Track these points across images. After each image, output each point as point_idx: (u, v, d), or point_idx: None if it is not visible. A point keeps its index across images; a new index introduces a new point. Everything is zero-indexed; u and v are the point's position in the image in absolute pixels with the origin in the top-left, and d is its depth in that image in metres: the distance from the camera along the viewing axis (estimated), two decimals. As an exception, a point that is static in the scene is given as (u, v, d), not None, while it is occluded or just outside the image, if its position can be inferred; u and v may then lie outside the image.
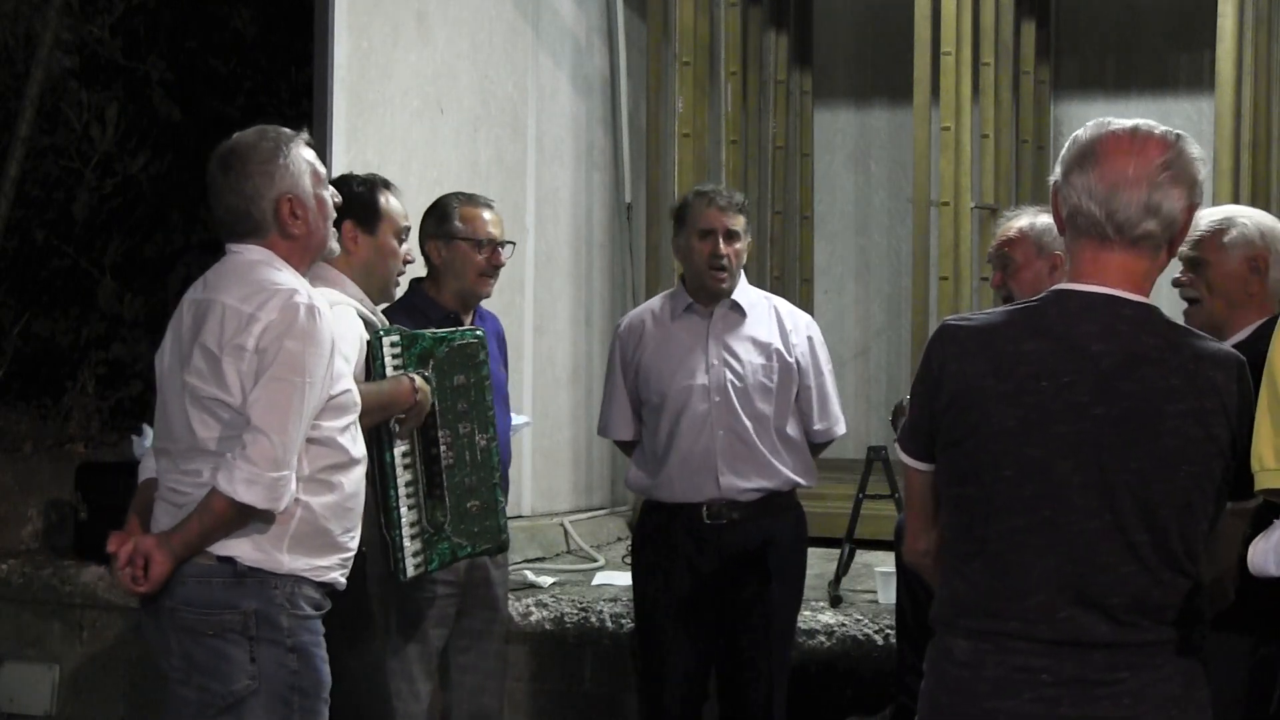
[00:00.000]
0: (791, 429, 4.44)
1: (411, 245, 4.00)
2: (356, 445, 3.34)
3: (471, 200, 4.36)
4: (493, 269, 4.29)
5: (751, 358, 4.39)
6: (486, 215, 4.32)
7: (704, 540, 4.35)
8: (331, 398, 3.24)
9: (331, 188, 3.44)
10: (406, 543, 3.71)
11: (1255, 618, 3.00)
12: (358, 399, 3.36)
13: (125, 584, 3.21)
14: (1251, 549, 2.71)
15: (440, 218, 4.30)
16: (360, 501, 3.37)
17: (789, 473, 4.41)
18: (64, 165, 7.77)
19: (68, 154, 7.76)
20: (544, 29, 6.75)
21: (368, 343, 3.66)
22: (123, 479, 5.77)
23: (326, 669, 3.29)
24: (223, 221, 3.34)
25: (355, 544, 3.36)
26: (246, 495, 3.10)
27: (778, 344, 4.42)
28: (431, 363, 3.80)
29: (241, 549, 3.17)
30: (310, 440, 3.21)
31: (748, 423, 4.35)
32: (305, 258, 3.36)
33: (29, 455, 6.73)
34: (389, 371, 3.67)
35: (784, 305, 4.56)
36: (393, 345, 3.71)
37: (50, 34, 7.31)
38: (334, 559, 3.30)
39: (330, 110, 5.43)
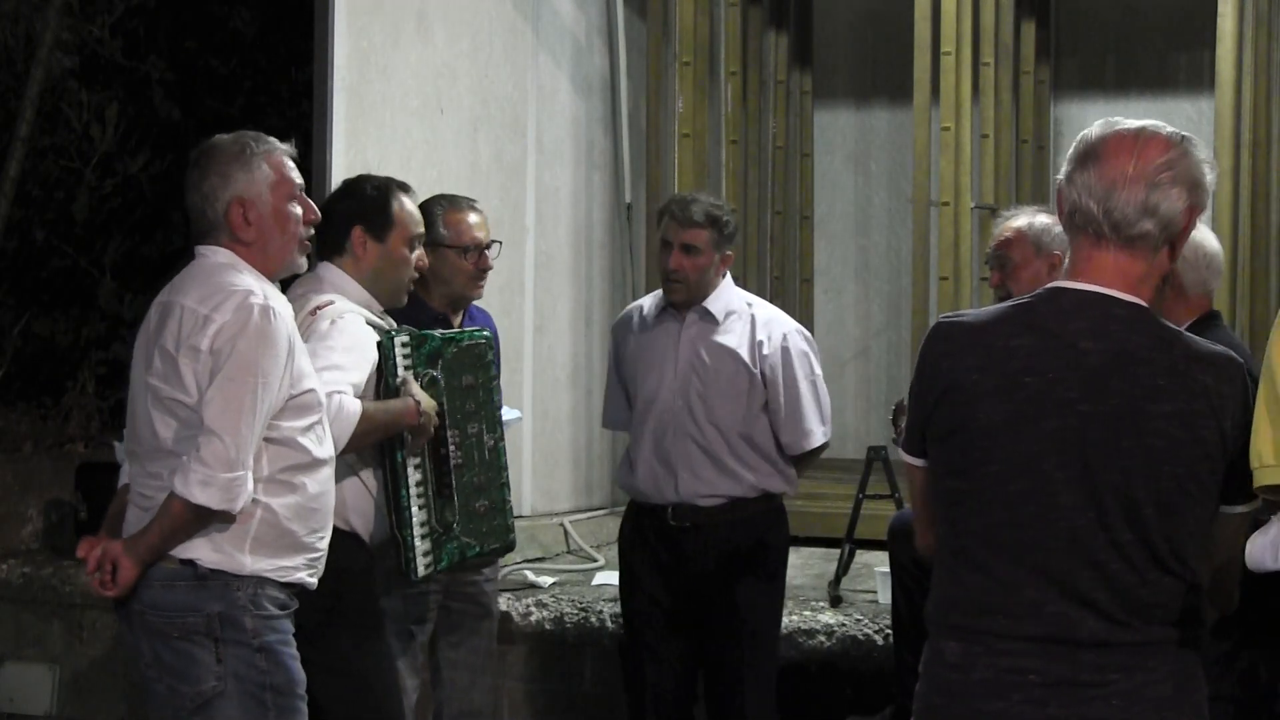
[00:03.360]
0: (761, 437, 4.39)
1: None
2: (321, 446, 3.33)
3: (455, 204, 4.33)
4: (480, 273, 4.28)
5: (719, 365, 4.36)
6: (472, 219, 4.29)
7: (672, 543, 4.38)
8: (292, 397, 3.24)
9: (309, 203, 3.40)
10: (417, 542, 3.72)
11: (1237, 623, 2.99)
12: (322, 399, 3.35)
13: (95, 589, 3.25)
14: (1250, 544, 2.70)
15: (425, 225, 4.28)
16: (328, 502, 3.37)
17: (754, 480, 4.38)
18: (64, 165, 7.78)
19: (68, 154, 7.76)
20: (544, 29, 6.75)
21: (378, 344, 3.65)
22: (123, 479, 5.81)
23: (297, 666, 3.30)
24: (190, 219, 3.37)
25: (325, 544, 3.36)
26: (201, 496, 3.11)
27: (745, 353, 4.36)
28: (440, 363, 3.80)
29: (202, 551, 3.19)
30: (269, 440, 3.22)
31: (709, 429, 4.34)
32: (266, 266, 3.34)
33: (29, 455, 6.73)
34: (400, 372, 3.67)
35: (765, 314, 4.45)
36: (403, 345, 3.71)
37: (50, 34, 7.31)
38: (299, 559, 3.30)
39: (330, 110, 5.43)
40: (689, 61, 6.75)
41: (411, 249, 3.84)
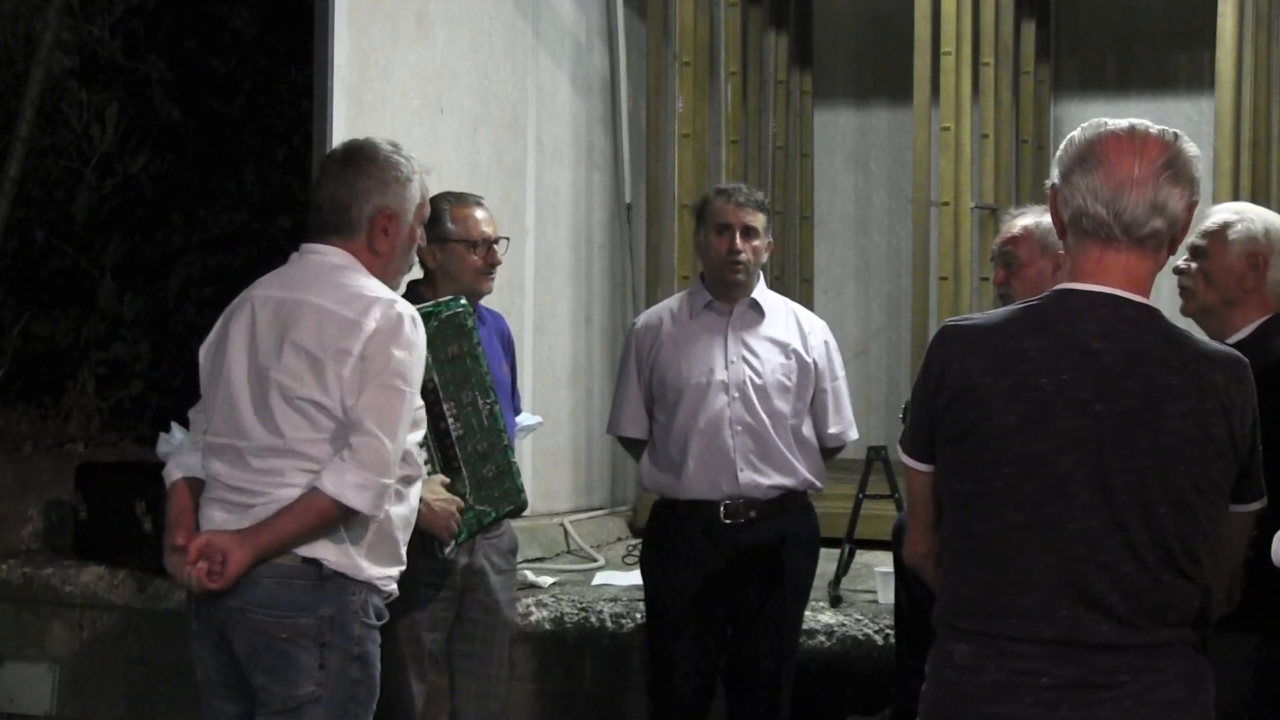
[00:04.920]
0: (806, 430, 4.46)
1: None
2: (420, 459, 3.38)
3: (462, 200, 4.34)
4: (489, 267, 4.28)
5: (771, 356, 4.41)
6: (479, 214, 4.30)
7: (719, 539, 4.36)
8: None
9: (422, 231, 3.44)
10: None
11: (1260, 618, 3.00)
12: (424, 416, 3.38)
13: (198, 579, 3.13)
14: (1277, 540, 2.71)
15: (432, 221, 4.26)
16: (416, 515, 3.40)
17: (806, 473, 4.43)
18: (64, 165, 7.77)
19: (68, 154, 7.76)
20: (544, 29, 6.75)
21: None
22: (122, 479, 5.81)
23: (378, 678, 3.28)
24: (318, 211, 3.32)
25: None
26: (355, 499, 3.09)
27: (796, 344, 4.44)
28: None
29: (327, 552, 3.15)
30: None
31: (766, 420, 4.37)
32: (382, 279, 3.33)
33: (29, 455, 6.73)
34: None
35: (802, 310, 4.60)
36: None
37: (50, 34, 7.31)
38: (395, 570, 3.30)
39: (330, 110, 5.43)
40: (689, 61, 6.75)
41: None
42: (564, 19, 6.90)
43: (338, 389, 3.14)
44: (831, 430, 4.51)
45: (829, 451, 4.57)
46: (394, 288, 3.43)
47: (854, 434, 4.61)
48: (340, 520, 3.13)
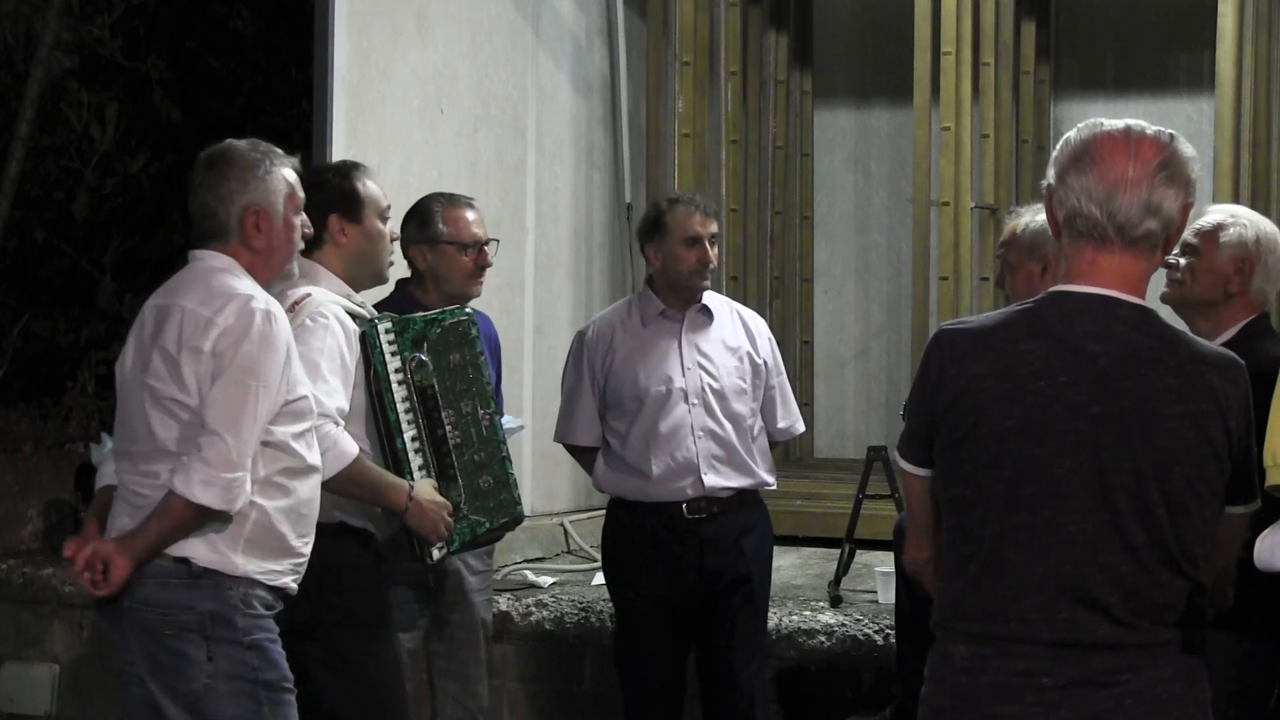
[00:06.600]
0: (757, 429, 4.53)
1: (394, 224, 3.99)
2: (311, 453, 3.37)
3: (453, 201, 4.34)
4: (479, 269, 4.28)
5: (725, 360, 4.46)
6: (470, 215, 4.30)
7: (682, 534, 4.40)
8: (287, 403, 3.29)
9: (305, 217, 3.47)
10: None
11: (1242, 615, 3.00)
12: (314, 406, 3.39)
13: (85, 588, 3.27)
14: (1259, 543, 2.72)
15: (422, 222, 4.28)
16: (315, 508, 3.40)
17: (762, 472, 4.50)
18: (64, 165, 7.77)
19: (68, 154, 7.76)
20: (544, 29, 6.75)
21: (362, 334, 3.65)
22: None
23: (284, 661, 3.34)
24: (193, 220, 3.41)
25: (309, 550, 3.40)
26: (203, 496, 3.15)
27: (747, 347, 4.51)
28: (425, 345, 3.80)
29: (197, 550, 3.23)
30: (264, 444, 3.26)
31: (727, 424, 4.42)
32: (265, 273, 3.40)
33: (29, 455, 6.73)
34: (389, 358, 3.67)
35: (743, 309, 4.66)
36: (387, 333, 3.71)
37: (50, 34, 7.31)
38: (286, 564, 3.34)
39: (330, 110, 5.43)
40: (689, 61, 6.76)
41: (384, 222, 3.85)
42: (564, 19, 6.90)
43: (195, 386, 3.22)
44: (780, 425, 4.59)
45: (777, 446, 4.66)
46: (287, 276, 3.47)
47: (801, 426, 4.69)
48: (200, 518, 3.19)
